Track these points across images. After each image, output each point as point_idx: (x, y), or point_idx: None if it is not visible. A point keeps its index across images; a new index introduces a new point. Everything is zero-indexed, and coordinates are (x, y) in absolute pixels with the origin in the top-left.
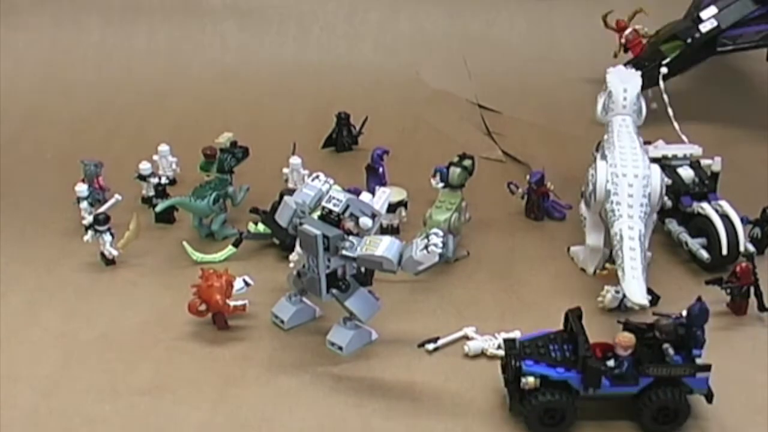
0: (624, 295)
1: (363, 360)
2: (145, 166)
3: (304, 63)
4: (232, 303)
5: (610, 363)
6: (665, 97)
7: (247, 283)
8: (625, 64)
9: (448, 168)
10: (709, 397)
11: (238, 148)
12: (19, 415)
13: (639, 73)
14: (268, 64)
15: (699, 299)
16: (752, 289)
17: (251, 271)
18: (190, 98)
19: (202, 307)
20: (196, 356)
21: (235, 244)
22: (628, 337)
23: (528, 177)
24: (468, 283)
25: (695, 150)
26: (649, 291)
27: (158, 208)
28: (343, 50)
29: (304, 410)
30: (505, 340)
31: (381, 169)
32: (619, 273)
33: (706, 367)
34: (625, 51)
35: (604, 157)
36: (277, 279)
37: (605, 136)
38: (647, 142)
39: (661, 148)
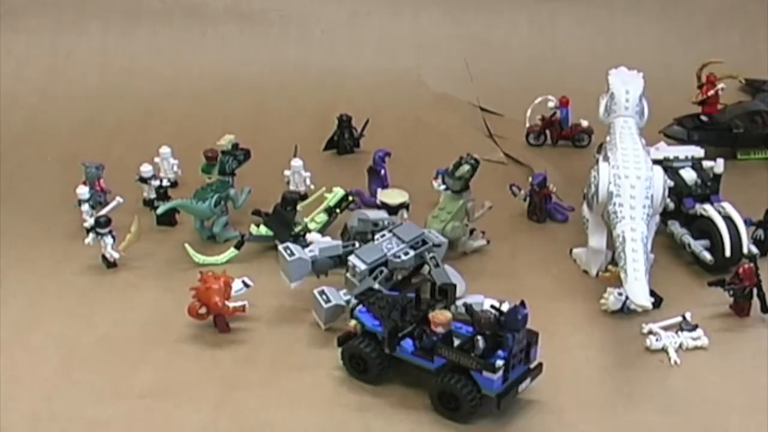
0: (627, 297)
1: None
2: (146, 169)
3: (305, 65)
4: (231, 304)
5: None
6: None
7: (246, 284)
8: (699, 115)
9: (449, 170)
10: (499, 402)
11: (240, 150)
12: (19, 418)
13: (641, 74)
14: (270, 66)
15: (522, 303)
16: (755, 291)
17: (253, 274)
18: (191, 101)
19: (202, 310)
20: (197, 359)
21: (237, 247)
22: (441, 315)
23: (530, 179)
24: (470, 285)
25: (697, 152)
26: (652, 293)
27: (159, 211)
28: (344, 53)
29: (305, 413)
30: (367, 288)
31: (383, 172)
32: (622, 275)
33: (493, 368)
34: (700, 104)
35: (606, 158)
36: (279, 281)
37: (607, 138)
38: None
39: (663, 150)
